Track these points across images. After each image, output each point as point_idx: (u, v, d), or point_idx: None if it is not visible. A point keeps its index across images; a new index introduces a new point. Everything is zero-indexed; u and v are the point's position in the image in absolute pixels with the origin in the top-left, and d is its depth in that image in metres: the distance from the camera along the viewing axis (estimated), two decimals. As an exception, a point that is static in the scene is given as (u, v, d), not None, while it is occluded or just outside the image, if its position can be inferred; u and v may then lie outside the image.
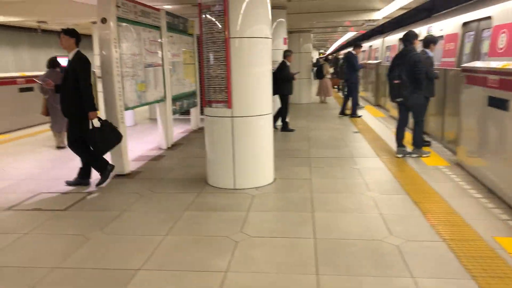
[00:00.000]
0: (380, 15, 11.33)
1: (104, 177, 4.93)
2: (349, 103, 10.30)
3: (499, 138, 4.22)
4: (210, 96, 4.73)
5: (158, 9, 6.57)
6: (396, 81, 5.61)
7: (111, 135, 4.89)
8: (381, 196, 4.33)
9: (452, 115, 6.05)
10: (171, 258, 3.07)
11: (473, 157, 4.92)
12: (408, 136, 6.16)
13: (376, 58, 13.13)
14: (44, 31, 11.88)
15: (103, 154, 4.89)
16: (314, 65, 18.27)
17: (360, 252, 3.08)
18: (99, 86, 7.64)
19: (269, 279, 2.74)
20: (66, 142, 5.43)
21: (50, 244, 3.40)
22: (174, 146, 7.19)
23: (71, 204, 4.33)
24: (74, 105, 4.67)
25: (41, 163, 6.25)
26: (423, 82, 5.57)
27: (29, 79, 9.42)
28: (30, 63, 16.68)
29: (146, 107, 9.95)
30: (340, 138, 7.65)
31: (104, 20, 5.00)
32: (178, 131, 8.62)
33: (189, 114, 9.09)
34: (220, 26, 4.48)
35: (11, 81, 9.35)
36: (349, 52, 10.21)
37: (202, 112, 4.89)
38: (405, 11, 10.93)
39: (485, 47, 5.27)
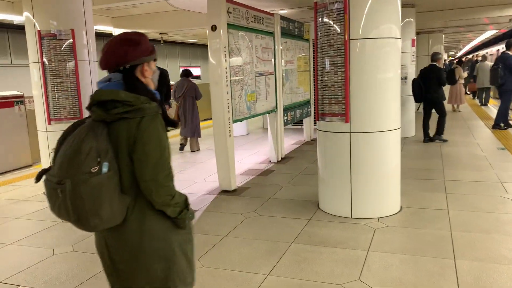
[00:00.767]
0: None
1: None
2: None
3: None
4: (324, 108, 4.09)
5: (272, 14, 6.17)
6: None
7: None
8: (554, 244, 3.21)
9: None
10: (272, 309, 2.52)
11: None
12: None
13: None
14: (167, 42, 12.44)
15: None
16: (445, 69, 16.26)
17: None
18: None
19: None
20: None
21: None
22: (284, 159, 6.70)
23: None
24: None
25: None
26: None
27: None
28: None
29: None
30: (482, 155, 6.34)
31: (214, 28, 4.73)
32: (290, 142, 8.13)
33: (302, 123, 8.55)
34: (338, 27, 3.84)
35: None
36: (504, 53, 8.55)
37: (315, 121, 4.28)
38: None
39: None
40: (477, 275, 2.80)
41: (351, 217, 3.98)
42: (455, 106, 12.11)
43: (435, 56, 7.56)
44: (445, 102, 7.65)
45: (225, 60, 4.80)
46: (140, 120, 1.50)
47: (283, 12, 7.99)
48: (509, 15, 10.41)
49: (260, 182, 5.45)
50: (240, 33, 5.20)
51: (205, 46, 11.49)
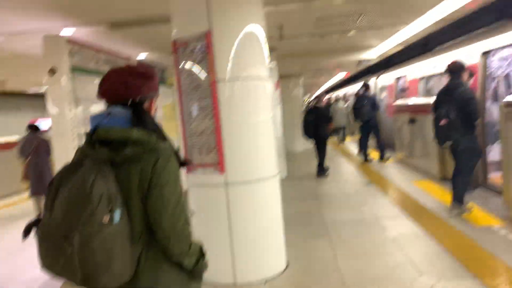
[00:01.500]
0: (375, 54, 10.55)
1: None
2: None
3: None
4: (195, 159, 3.55)
5: (127, 58, 5.53)
6: (443, 121, 4.47)
7: None
8: (443, 285, 3.09)
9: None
10: None
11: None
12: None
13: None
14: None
15: None
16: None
17: None
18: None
19: None
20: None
21: None
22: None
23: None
24: None
25: None
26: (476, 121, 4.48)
27: None
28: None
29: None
30: (353, 193, 6.46)
31: (52, 71, 3.89)
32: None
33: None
34: (203, 67, 3.40)
35: None
36: (367, 92, 9.30)
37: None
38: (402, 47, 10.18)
39: None
40: None
41: (235, 283, 3.41)
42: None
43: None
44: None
45: (70, 109, 3.97)
46: (155, 162, 1.39)
47: (143, 56, 7.39)
48: (358, 59, 11.54)
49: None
50: (88, 78, 4.42)
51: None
